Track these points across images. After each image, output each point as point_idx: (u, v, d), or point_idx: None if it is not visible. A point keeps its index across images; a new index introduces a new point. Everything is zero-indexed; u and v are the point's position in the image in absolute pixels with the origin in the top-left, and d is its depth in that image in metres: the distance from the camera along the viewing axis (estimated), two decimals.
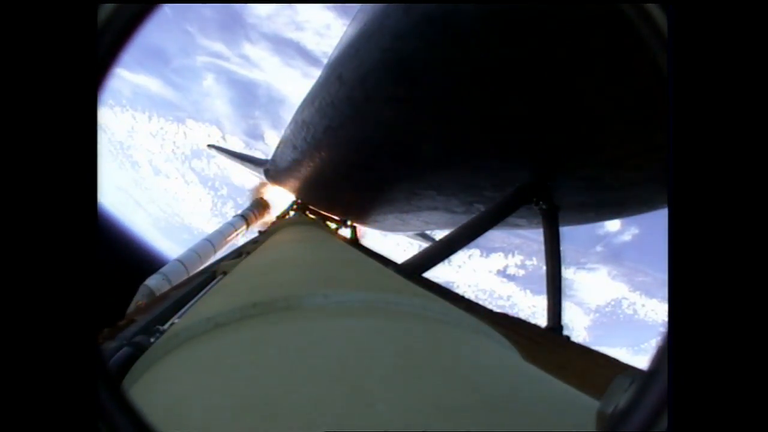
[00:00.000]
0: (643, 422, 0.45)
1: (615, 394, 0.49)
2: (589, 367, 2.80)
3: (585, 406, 0.70)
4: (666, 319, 0.49)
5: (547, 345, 3.19)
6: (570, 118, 3.57)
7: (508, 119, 3.82)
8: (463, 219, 5.06)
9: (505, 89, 3.54)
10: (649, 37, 0.52)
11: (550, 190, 4.38)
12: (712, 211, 0.49)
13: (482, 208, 4.95)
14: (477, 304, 3.88)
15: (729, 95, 0.50)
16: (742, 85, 0.50)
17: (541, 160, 4.23)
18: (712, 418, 0.46)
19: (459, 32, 3.28)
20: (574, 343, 3.69)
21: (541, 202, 4.44)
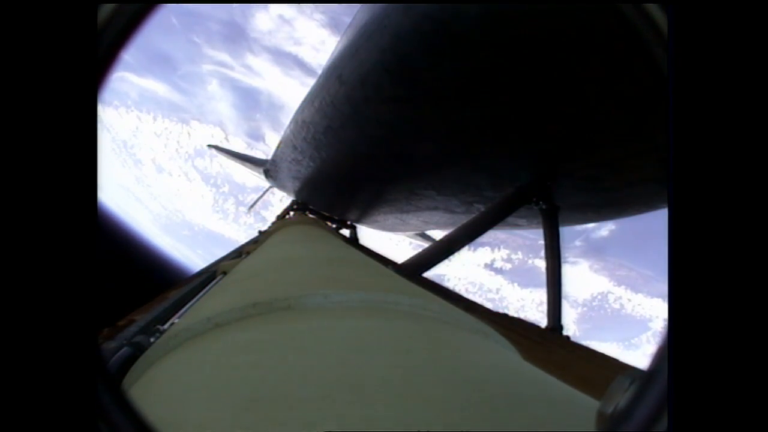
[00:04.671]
0: (643, 422, 0.45)
1: (615, 394, 0.49)
2: (589, 367, 2.80)
3: (585, 406, 0.70)
4: (666, 319, 0.49)
5: (547, 345, 3.19)
6: (570, 118, 3.57)
7: (508, 119, 3.82)
8: (463, 219, 5.06)
9: (505, 89, 3.54)
10: (649, 37, 0.52)
11: (550, 190, 4.38)
12: (712, 211, 0.49)
13: (482, 208, 4.95)
14: (477, 304, 3.88)
15: (729, 95, 0.50)
16: (742, 85, 0.50)
17: (540, 160, 4.23)
18: (712, 418, 0.46)
19: (459, 32, 3.28)
20: (574, 343, 3.69)
21: (541, 202, 4.44)
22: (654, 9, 0.52)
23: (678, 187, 0.50)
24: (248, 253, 3.71)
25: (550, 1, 2.85)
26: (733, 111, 0.50)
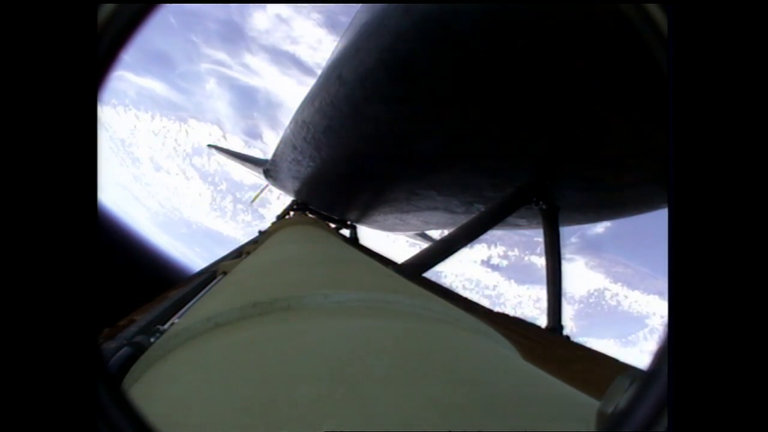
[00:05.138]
0: (643, 422, 0.45)
1: (615, 394, 0.49)
2: (589, 367, 2.80)
3: (585, 406, 0.70)
4: (666, 319, 0.49)
5: (547, 345, 3.19)
6: (570, 119, 3.57)
7: (508, 119, 3.82)
8: (463, 219, 5.06)
9: (505, 89, 3.54)
10: (649, 37, 0.52)
11: (550, 190, 4.38)
12: (712, 211, 0.49)
13: (482, 208, 4.95)
14: (477, 304, 3.88)
15: (729, 95, 0.50)
16: (742, 84, 0.50)
17: (541, 160, 4.23)
18: (712, 418, 0.46)
19: (458, 32, 3.28)
20: (574, 343, 3.69)
21: (541, 202, 4.44)
22: (654, 9, 0.52)
23: (678, 187, 0.50)
24: (248, 253, 3.71)
25: (549, 2, 2.85)
26: (733, 111, 0.50)
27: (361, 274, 1.61)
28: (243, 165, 13.86)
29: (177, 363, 0.97)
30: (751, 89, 0.50)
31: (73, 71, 0.53)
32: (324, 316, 1.04)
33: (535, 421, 0.63)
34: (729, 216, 0.49)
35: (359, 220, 8.84)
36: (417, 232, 11.00)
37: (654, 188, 4.01)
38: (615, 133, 3.56)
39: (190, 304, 2.20)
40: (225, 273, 2.89)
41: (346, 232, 8.93)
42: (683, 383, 0.46)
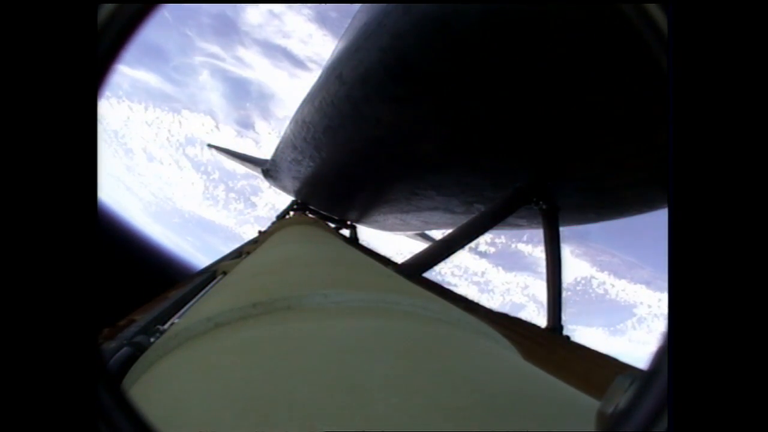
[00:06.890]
0: (643, 422, 0.45)
1: (615, 394, 0.49)
2: (589, 367, 2.80)
3: (585, 406, 0.70)
4: (666, 319, 0.49)
5: (547, 345, 3.19)
6: (570, 119, 3.57)
7: (508, 119, 3.82)
8: (463, 219, 5.06)
9: (505, 89, 3.54)
10: (649, 37, 0.52)
11: (549, 191, 4.38)
12: (712, 211, 0.49)
13: (482, 208, 4.95)
14: (477, 304, 3.89)
15: (729, 95, 0.50)
16: (742, 84, 0.50)
17: (541, 160, 4.23)
18: (712, 418, 0.46)
19: (458, 32, 3.28)
20: (574, 343, 3.69)
21: (541, 203, 4.44)
22: (654, 9, 0.52)
23: (678, 187, 0.50)
24: (248, 253, 3.72)
25: (550, 2, 2.85)
26: (733, 111, 0.50)
27: (361, 274, 1.61)
28: (242, 164, 13.88)
29: (177, 363, 0.97)
30: (751, 89, 0.50)
31: (73, 71, 0.53)
32: (324, 316, 1.04)
33: (535, 421, 0.63)
34: (729, 216, 0.49)
35: (359, 220, 8.84)
36: (417, 232, 11.00)
37: (654, 188, 4.01)
38: (615, 133, 3.56)
39: (190, 304, 2.21)
40: (225, 273, 2.90)
41: (346, 232, 8.94)
42: (683, 383, 0.46)
